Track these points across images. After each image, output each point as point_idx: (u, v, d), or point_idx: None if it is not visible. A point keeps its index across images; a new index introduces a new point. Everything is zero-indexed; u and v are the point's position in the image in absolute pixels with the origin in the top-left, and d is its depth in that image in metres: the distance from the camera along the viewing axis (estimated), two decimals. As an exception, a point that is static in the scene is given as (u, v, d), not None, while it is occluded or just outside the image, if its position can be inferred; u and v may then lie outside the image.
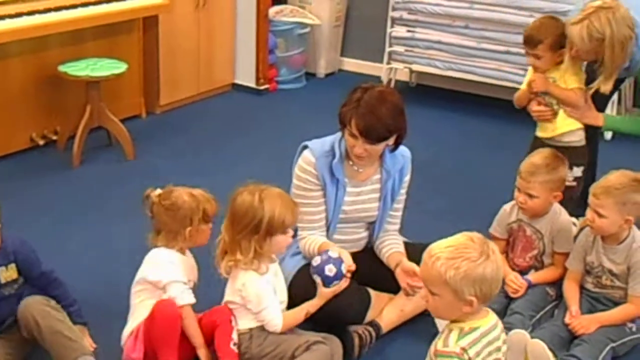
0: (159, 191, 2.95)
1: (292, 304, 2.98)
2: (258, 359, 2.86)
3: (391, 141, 3.04)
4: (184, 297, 2.86)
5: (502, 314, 3.20)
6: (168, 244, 2.92)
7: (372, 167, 3.18)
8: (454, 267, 2.19)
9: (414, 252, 3.19)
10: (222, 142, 5.24)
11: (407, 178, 3.27)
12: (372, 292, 3.17)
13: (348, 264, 2.95)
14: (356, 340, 3.02)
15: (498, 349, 2.31)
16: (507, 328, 3.02)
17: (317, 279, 2.93)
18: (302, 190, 3.13)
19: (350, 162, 3.12)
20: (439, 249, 2.25)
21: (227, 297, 2.91)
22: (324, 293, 2.93)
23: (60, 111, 4.93)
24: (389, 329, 3.17)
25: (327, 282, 2.91)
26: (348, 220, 3.22)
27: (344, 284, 2.94)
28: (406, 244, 3.28)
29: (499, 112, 5.89)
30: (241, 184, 2.90)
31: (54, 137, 4.93)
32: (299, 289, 3.03)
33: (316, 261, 2.94)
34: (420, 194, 3.63)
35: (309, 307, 2.92)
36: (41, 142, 4.88)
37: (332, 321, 3.00)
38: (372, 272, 3.20)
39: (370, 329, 3.10)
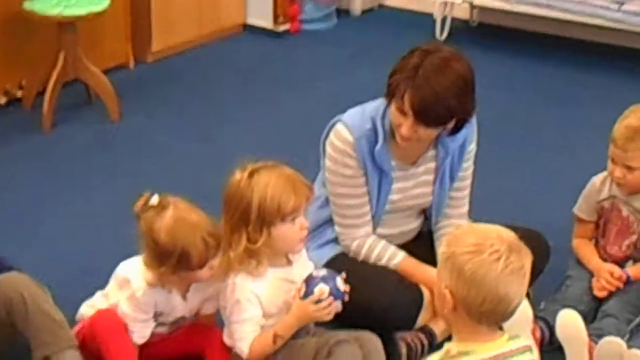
0: (153, 202, 2.85)
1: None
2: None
3: (450, 124, 3.00)
4: (133, 336, 2.92)
5: (590, 316, 3.20)
6: (148, 277, 2.89)
7: (424, 144, 3.15)
8: (447, 244, 2.25)
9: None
10: (230, 99, 5.23)
11: (471, 147, 3.24)
12: (424, 290, 3.15)
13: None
14: (404, 350, 3.03)
15: None
16: (598, 335, 3.03)
17: (322, 289, 2.82)
18: (339, 176, 3.11)
19: (397, 141, 3.08)
20: (473, 224, 2.33)
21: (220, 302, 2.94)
22: (303, 307, 2.81)
23: (26, 60, 4.92)
24: (445, 337, 3.10)
25: (336, 294, 2.84)
26: (395, 210, 3.22)
27: (332, 310, 2.85)
28: None
29: (581, 56, 5.83)
30: (241, 161, 2.87)
31: (19, 94, 4.94)
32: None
33: (321, 271, 2.90)
34: (483, 163, 3.58)
35: (278, 329, 2.85)
36: (2, 100, 4.89)
37: (375, 325, 2.99)
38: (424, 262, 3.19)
39: (422, 336, 3.10)
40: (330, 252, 3.19)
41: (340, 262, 3.12)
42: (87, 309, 3.03)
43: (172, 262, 2.80)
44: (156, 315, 2.95)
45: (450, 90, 2.89)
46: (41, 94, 4.79)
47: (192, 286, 2.95)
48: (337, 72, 5.54)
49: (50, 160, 4.47)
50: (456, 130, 3.04)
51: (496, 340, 2.25)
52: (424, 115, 2.90)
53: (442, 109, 2.90)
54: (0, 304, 2.86)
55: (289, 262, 2.92)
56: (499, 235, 2.21)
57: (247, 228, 2.78)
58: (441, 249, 2.26)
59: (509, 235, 2.23)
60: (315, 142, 3.20)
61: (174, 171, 4.29)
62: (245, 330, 2.84)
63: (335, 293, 2.82)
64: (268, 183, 2.76)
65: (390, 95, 2.97)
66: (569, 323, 3.00)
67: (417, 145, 3.09)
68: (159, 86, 5.38)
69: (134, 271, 2.93)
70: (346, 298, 2.85)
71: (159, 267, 2.83)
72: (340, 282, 2.84)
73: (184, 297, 2.95)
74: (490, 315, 2.20)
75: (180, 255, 2.79)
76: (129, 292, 2.90)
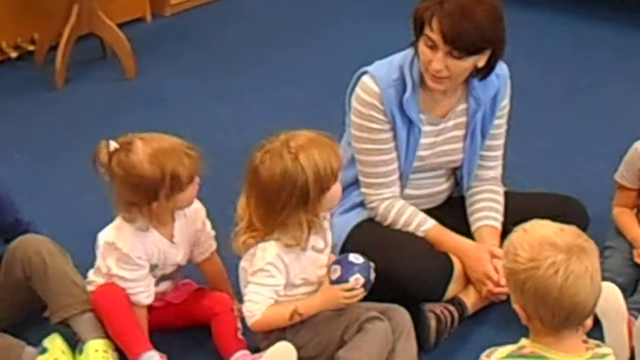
0: (114, 145, 2.88)
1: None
2: (296, 351, 2.86)
3: (482, 61, 2.98)
4: (132, 297, 2.95)
5: (630, 289, 3.18)
6: (132, 220, 2.92)
7: (454, 95, 3.14)
8: (505, 255, 2.26)
9: (514, 205, 3.21)
10: (255, 55, 5.21)
11: (504, 103, 3.22)
12: (455, 259, 3.15)
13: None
14: (433, 323, 3.02)
15: None
16: (638, 309, 3.03)
17: (358, 280, 2.85)
18: (365, 131, 3.10)
19: (426, 91, 3.07)
20: (530, 226, 2.27)
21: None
22: (333, 292, 2.84)
23: (38, 13, 4.91)
24: (477, 309, 3.18)
25: (367, 286, 2.87)
26: (424, 168, 3.21)
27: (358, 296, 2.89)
28: (506, 195, 3.27)
29: (628, 14, 5.76)
30: (254, 146, 2.83)
31: (31, 48, 4.94)
32: (356, 250, 3.00)
33: (359, 259, 2.90)
34: (521, 127, 3.59)
35: (300, 306, 2.86)
36: (13, 55, 4.90)
37: (402, 296, 3.00)
38: (455, 232, 3.19)
39: (452, 308, 3.10)
40: (357, 217, 3.19)
41: (367, 229, 3.14)
42: (88, 287, 3.04)
43: (166, 190, 2.82)
44: (153, 269, 2.96)
45: (482, 15, 2.88)
46: (54, 48, 4.79)
47: (175, 227, 2.97)
48: (363, 25, 5.51)
49: (62, 118, 4.48)
50: (488, 70, 3.03)
51: (576, 354, 2.25)
52: (455, 39, 2.87)
53: (475, 35, 2.88)
54: (19, 264, 2.93)
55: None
56: (553, 243, 2.18)
57: (305, 206, 2.77)
58: (502, 262, 2.28)
59: (566, 237, 2.20)
60: (341, 100, 3.19)
61: (191, 131, 4.24)
62: (263, 294, 2.85)
63: (367, 285, 2.85)
64: (313, 153, 2.75)
65: (417, 29, 2.96)
66: (608, 297, 2.91)
67: (449, 85, 3.05)
68: (177, 42, 5.37)
69: (112, 231, 2.95)
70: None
71: (153, 202, 2.85)
72: (372, 273, 2.87)
73: (171, 241, 2.97)
74: (566, 324, 2.21)
75: (171, 179, 2.81)
76: (117, 254, 2.91)
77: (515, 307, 2.24)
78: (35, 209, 3.19)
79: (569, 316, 2.17)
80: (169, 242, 2.97)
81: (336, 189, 2.84)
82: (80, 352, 2.88)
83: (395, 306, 2.95)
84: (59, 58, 4.73)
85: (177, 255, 3.00)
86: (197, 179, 2.91)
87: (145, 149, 2.82)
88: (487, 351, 2.29)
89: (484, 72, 3.04)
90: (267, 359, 2.80)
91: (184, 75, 4.95)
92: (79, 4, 4.73)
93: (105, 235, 2.96)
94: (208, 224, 3.10)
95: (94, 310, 2.94)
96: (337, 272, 2.85)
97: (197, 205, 3.04)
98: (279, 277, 2.84)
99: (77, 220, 3.59)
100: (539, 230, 2.22)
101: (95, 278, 3.00)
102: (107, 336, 2.91)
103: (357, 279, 2.83)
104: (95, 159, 2.89)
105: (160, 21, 5.64)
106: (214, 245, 3.13)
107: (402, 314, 2.94)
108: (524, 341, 2.27)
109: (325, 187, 2.78)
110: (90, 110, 4.56)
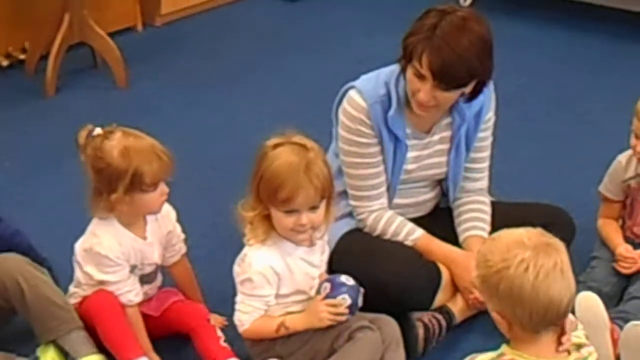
0: (97, 132, 2.91)
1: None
2: (286, 357, 2.87)
3: (469, 88, 2.98)
4: (122, 298, 2.94)
5: (616, 299, 3.18)
6: (97, 211, 2.93)
7: (439, 112, 3.12)
8: (477, 265, 2.26)
9: (501, 215, 3.20)
10: (242, 65, 5.21)
11: (489, 116, 3.22)
12: (442, 268, 3.15)
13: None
14: (420, 331, 3.01)
15: None
16: (623, 319, 3.01)
17: (345, 299, 2.81)
18: (354, 145, 3.09)
19: (411, 108, 3.05)
20: (497, 235, 2.29)
21: None
22: (318, 305, 2.80)
23: (30, 22, 4.91)
24: (464, 317, 3.17)
25: (353, 309, 2.83)
26: (410, 180, 3.21)
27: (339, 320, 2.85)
28: (493, 205, 3.27)
29: (612, 26, 5.77)
30: (243, 155, 2.83)
31: (22, 57, 4.94)
32: (344, 258, 3.04)
33: (349, 280, 2.86)
34: (506, 137, 3.58)
35: (288, 320, 2.84)
36: (4, 63, 4.89)
37: (391, 305, 2.99)
38: (443, 241, 3.18)
39: (440, 316, 3.09)
40: (345, 227, 3.18)
41: (355, 239, 3.14)
42: (72, 300, 3.02)
43: (126, 183, 2.81)
44: (132, 269, 2.96)
45: (470, 50, 2.86)
46: (45, 57, 4.78)
47: (147, 227, 2.98)
48: (353, 37, 5.51)
49: (52, 127, 4.46)
50: (474, 95, 3.02)
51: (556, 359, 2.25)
52: (444, 76, 2.86)
53: (462, 70, 2.87)
54: None
55: (312, 243, 2.88)
56: (519, 241, 2.20)
57: (257, 197, 2.75)
58: (473, 273, 2.27)
59: (532, 236, 2.22)
60: (330, 111, 3.18)
61: (182, 141, 4.26)
62: (253, 305, 2.83)
63: (353, 309, 2.82)
64: (277, 160, 2.71)
65: (406, 58, 2.94)
66: (588, 306, 2.96)
67: (435, 112, 3.05)
68: (167, 51, 5.36)
69: (88, 237, 2.95)
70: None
71: (112, 193, 2.84)
72: (360, 299, 2.84)
73: (144, 237, 2.97)
74: (544, 323, 2.21)
75: (133, 175, 2.81)
76: (96, 259, 2.90)
77: (493, 315, 2.25)
78: (24, 218, 3.18)
79: (546, 314, 2.18)
80: (142, 241, 2.97)
81: (279, 219, 2.73)
82: None
83: (384, 316, 2.94)
84: (49, 67, 4.72)
85: (154, 253, 3.00)
86: (164, 189, 2.90)
87: (121, 140, 2.85)
88: (468, 358, 2.29)
89: (470, 96, 3.03)
90: None
91: (174, 84, 4.95)
92: (70, 13, 4.72)
93: (81, 243, 2.96)
94: (178, 227, 3.10)
95: (84, 320, 2.90)
96: (326, 289, 2.82)
97: (167, 208, 3.04)
98: (268, 287, 2.81)
99: (66, 229, 3.57)
100: (504, 235, 2.25)
101: (76, 289, 2.99)
102: (99, 350, 2.88)
103: (344, 299, 2.80)
104: (76, 140, 2.92)
105: (151, 31, 5.63)
106: (184, 248, 3.13)
107: (391, 324, 2.93)
108: (504, 348, 2.27)
109: (264, 197, 2.72)
110: (81, 120, 4.46)
